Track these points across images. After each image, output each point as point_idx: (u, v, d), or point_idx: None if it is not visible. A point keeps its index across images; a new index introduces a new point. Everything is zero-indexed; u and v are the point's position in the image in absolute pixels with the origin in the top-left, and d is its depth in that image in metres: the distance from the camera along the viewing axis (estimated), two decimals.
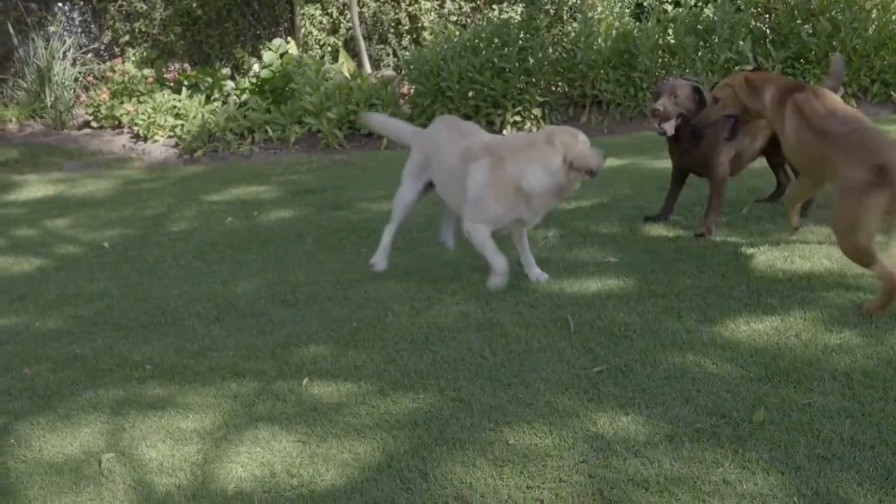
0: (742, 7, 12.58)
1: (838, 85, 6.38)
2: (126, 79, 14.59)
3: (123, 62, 15.40)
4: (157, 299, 6.33)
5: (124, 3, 17.39)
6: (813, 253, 5.86)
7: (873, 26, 11.72)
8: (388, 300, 5.71)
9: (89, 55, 16.77)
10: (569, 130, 5.57)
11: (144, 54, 16.84)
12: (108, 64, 15.76)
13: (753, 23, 12.42)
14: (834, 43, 11.72)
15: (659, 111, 6.33)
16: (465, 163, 5.59)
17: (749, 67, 11.33)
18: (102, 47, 17.54)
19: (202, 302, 6.16)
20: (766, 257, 5.88)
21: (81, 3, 17.63)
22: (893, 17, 11.94)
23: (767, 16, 12.55)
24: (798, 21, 12.13)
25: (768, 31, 12.32)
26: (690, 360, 4.51)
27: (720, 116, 5.94)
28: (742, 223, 6.55)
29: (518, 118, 12.48)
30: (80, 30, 17.64)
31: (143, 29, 17.50)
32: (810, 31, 11.97)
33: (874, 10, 11.86)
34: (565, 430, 3.95)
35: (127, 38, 17.45)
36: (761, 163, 7.01)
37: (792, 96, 5.56)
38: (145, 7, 17.35)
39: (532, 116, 12.47)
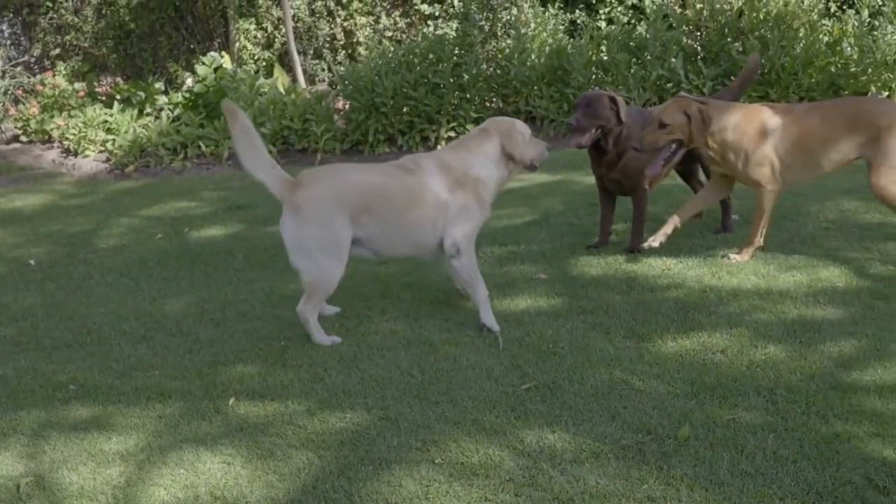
0: (674, 25, 12.75)
1: (746, 83, 6.79)
2: (57, 92, 14.37)
3: (54, 75, 15.18)
4: (82, 318, 6.23)
5: (55, 16, 17.16)
6: (740, 269, 5.93)
7: (801, 45, 11.93)
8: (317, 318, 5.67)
9: (19, 68, 16.51)
10: (506, 120, 5.60)
11: (76, 67, 16.63)
12: (39, 77, 15.52)
13: (685, 40, 12.58)
14: (763, 60, 11.90)
15: (573, 125, 6.29)
16: (411, 182, 5.33)
17: (684, 92, 11.49)
18: (32, 60, 17.29)
19: (129, 320, 6.07)
20: (694, 273, 5.94)
21: (11, 15, 17.38)
22: (820, 36, 12.17)
23: (698, 34, 12.71)
24: (728, 39, 12.31)
25: (699, 48, 12.49)
26: (618, 376, 4.53)
27: (666, 142, 5.94)
28: (672, 239, 6.58)
29: (452, 134, 12.50)
30: (9, 42, 17.39)
31: (75, 42, 17.29)
32: (740, 49, 12.15)
33: (801, 30, 12.08)
34: (492, 449, 3.94)
35: (58, 51, 17.22)
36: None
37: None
38: (77, 20, 17.13)
39: (467, 132, 12.47)
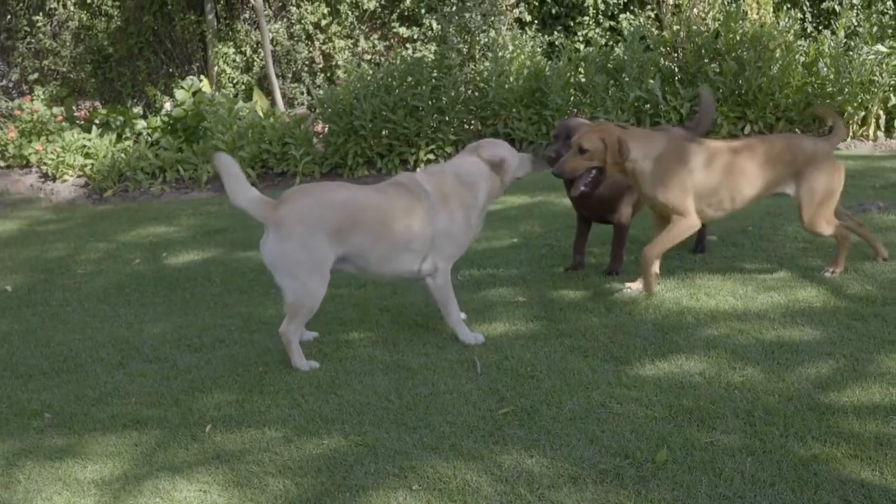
0: (651, 46, 12.83)
1: (708, 122, 6.74)
2: (35, 117, 14.31)
3: (32, 100, 15.11)
4: (59, 345, 6.18)
5: (33, 41, 17.13)
6: (718, 290, 5.94)
7: (777, 65, 12.00)
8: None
9: None
10: (491, 140, 5.67)
11: (54, 92, 16.59)
12: (17, 102, 15.46)
13: (662, 62, 12.65)
14: (740, 81, 11.98)
15: (552, 157, 6.23)
16: (402, 198, 5.34)
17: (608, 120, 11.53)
18: (10, 85, 17.25)
19: (106, 347, 6.03)
20: (672, 295, 5.94)
21: None
22: (797, 57, 12.25)
23: (676, 55, 12.78)
24: (705, 60, 12.39)
25: (676, 69, 12.55)
26: (596, 400, 4.52)
27: (585, 168, 5.77)
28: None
29: (431, 156, 12.52)
30: None
31: (53, 66, 17.26)
32: (717, 70, 12.23)
33: (778, 51, 12.16)
34: (470, 474, 3.92)
35: (36, 75, 17.18)
36: None
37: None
38: (55, 44, 17.11)
39: (445, 154, 12.52)
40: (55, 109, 14.91)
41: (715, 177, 5.75)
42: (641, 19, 14.49)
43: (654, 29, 13.59)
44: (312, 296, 5.18)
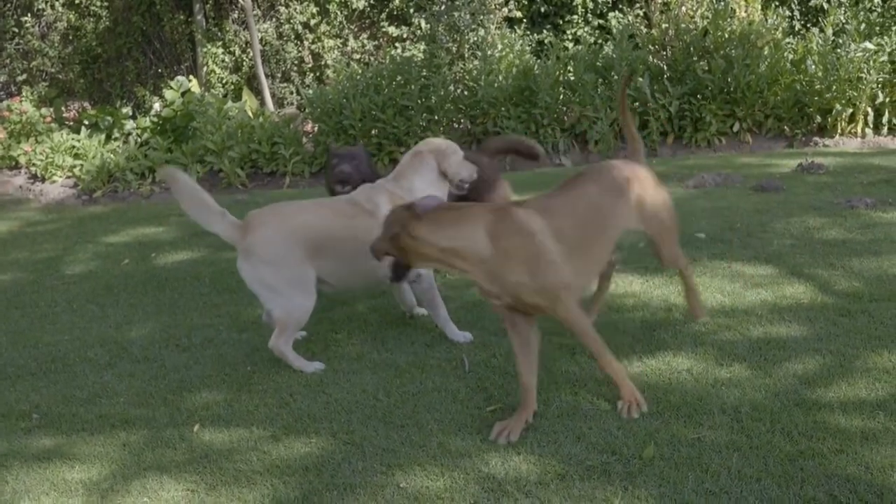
0: (640, 45, 12.85)
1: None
2: (24, 118, 14.28)
3: (21, 101, 15.07)
4: (47, 346, 6.17)
5: (21, 42, 17.09)
6: (706, 287, 5.94)
7: (766, 63, 12.03)
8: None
9: None
10: (438, 140, 5.65)
11: (43, 93, 16.55)
12: (5, 103, 15.42)
13: (651, 59, 12.67)
14: (728, 79, 12.00)
15: (346, 172, 6.22)
16: (363, 218, 5.25)
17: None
18: None
19: (94, 347, 6.02)
20: (660, 292, 5.95)
21: None
22: (785, 55, 12.28)
23: (664, 53, 12.80)
24: (694, 58, 12.41)
25: (665, 67, 12.57)
26: (583, 397, 4.53)
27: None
28: (638, 257, 6.61)
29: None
30: None
31: (42, 67, 17.25)
32: (706, 68, 12.26)
33: (766, 48, 12.19)
34: (457, 472, 3.93)
35: (24, 76, 17.16)
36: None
37: None
38: (43, 45, 17.08)
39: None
40: (44, 110, 14.90)
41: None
42: (630, 17, 14.53)
43: (642, 27, 13.61)
44: (300, 309, 5.16)
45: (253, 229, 5.14)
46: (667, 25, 12.85)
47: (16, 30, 17.15)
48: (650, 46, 12.90)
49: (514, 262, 4.15)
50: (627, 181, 4.65)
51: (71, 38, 17.23)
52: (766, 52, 12.23)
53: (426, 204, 4.21)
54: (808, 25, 14.49)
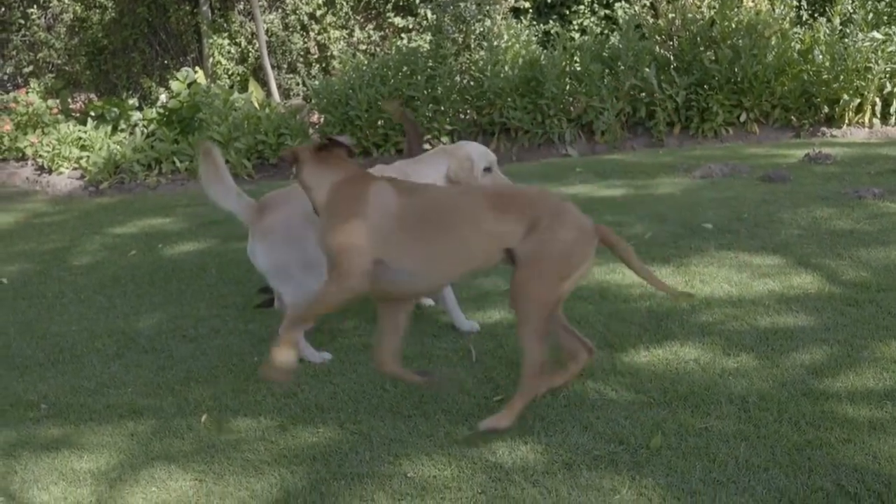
0: (646, 35, 12.82)
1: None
2: (30, 110, 14.29)
3: (27, 93, 15.10)
4: (55, 336, 6.18)
5: (28, 34, 17.10)
6: (713, 277, 5.94)
7: (773, 53, 12.00)
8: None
9: None
10: (468, 147, 5.61)
11: (49, 85, 16.57)
12: (12, 95, 15.44)
13: (658, 50, 12.65)
14: (735, 69, 11.97)
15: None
16: None
17: None
18: (5, 78, 17.23)
19: (102, 338, 6.03)
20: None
21: None
22: (792, 44, 12.25)
23: (671, 43, 12.78)
24: (701, 48, 12.38)
25: (672, 58, 12.55)
26: (590, 386, 4.53)
27: None
28: (645, 249, 6.60)
29: (427, 146, 12.50)
30: None
31: (48, 59, 17.25)
32: (713, 58, 12.22)
33: (773, 38, 12.15)
34: (464, 461, 3.93)
35: (31, 68, 17.17)
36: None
37: None
38: (49, 37, 17.08)
39: (441, 144, 12.51)
40: (50, 102, 14.93)
41: None
42: (636, 8, 14.46)
43: (649, 17, 13.57)
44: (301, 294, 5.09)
45: (271, 210, 5.11)
46: (673, 15, 12.82)
47: (22, 21, 17.15)
48: (657, 36, 12.87)
49: (327, 218, 4.15)
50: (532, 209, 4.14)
51: (77, 29, 17.23)
52: (773, 42, 12.19)
53: (340, 139, 4.31)
54: (816, 15, 14.42)
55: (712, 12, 12.64)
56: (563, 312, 4.37)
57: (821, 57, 11.98)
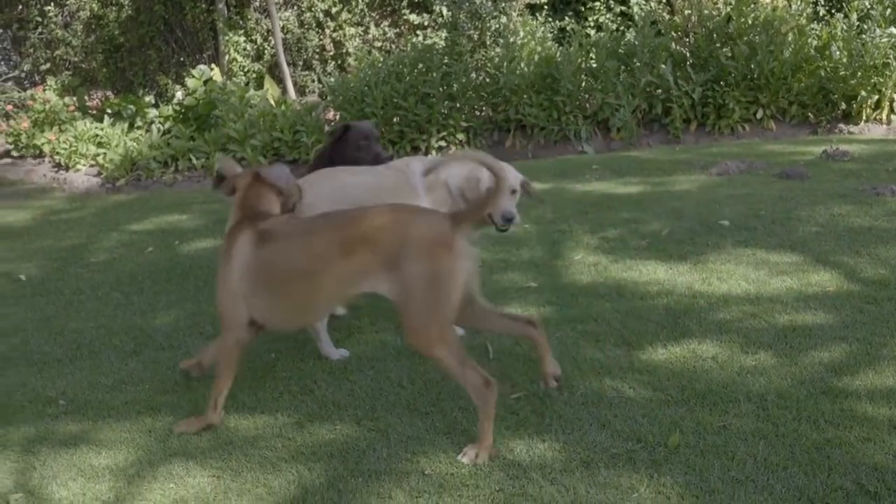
0: (662, 31, 12.79)
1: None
2: (47, 107, 14.35)
3: (44, 90, 15.16)
4: (73, 333, 6.20)
5: (45, 31, 17.16)
6: (731, 274, 5.92)
7: (790, 49, 11.96)
8: (306, 330, 5.64)
9: (9, 83, 16.52)
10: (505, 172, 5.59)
11: (66, 82, 16.63)
12: (29, 92, 15.52)
13: (674, 46, 12.62)
14: (752, 66, 11.93)
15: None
16: (400, 181, 5.35)
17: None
18: (23, 75, 17.30)
19: (119, 335, 6.04)
20: (684, 279, 5.92)
21: (0, 30, 17.36)
22: (809, 41, 12.20)
23: (687, 39, 12.74)
24: (717, 45, 12.34)
25: (688, 54, 12.52)
26: (608, 384, 4.52)
27: None
28: (662, 246, 6.59)
29: (443, 143, 12.52)
30: None
31: (65, 56, 17.32)
32: (729, 55, 12.19)
33: (790, 34, 12.11)
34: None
35: (48, 65, 17.24)
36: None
37: None
38: (66, 35, 17.14)
39: (457, 141, 12.52)
40: (67, 99, 14.98)
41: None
42: (652, 4, 14.41)
43: (665, 13, 13.54)
44: None
45: (309, 189, 5.15)
46: (689, 12, 12.79)
47: (39, 19, 17.22)
48: (673, 33, 12.84)
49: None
50: (381, 233, 4.03)
51: (94, 27, 17.29)
52: (789, 39, 12.16)
53: (275, 173, 4.55)
54: (833, 11, 14.37)
55: (728, 8, 12.61)
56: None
57: (838, 53, 11.94)
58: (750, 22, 12.32)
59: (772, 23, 12.21)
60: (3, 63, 17.45)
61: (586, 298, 5.76)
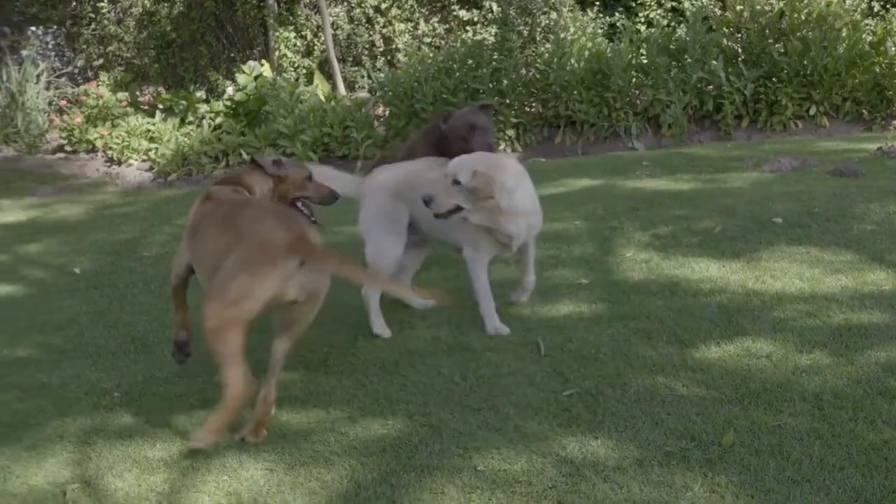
0: (714, 27, 12.68)
1: None
2: (100, 102, 14.50)
3: (97, 86, 15.33)
4: (126, 326, 6.27)
5: (98, 27, 17.35)
6: (784, 272, 5.86)
7: (844, 45, 11.81)
8: (358, 325, 5.67)
9: (63, 79, 16.71)
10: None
11: (118, 78, 16.79)
12: (82, 88, 15.70)
13: (725, 42, 12.52)
14: (805, 62, 11.80)
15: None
16: None
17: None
18: (76, 71, 17.49)
19: (172, 328, 6.06)
20: (737, 277, 5.88)
21: (55, 26, 17.57)
22: (864, 36, 12.05)
23: (739, 35, 12.63)
24: (769, 41, 12.22)
25: (740, 50, 12.41)
26: (661, 382, 4.50)
27: None
28: (714, 243, 6.54)
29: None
30: (53, 53, 17.57)
31: (117, 52, 17.49)
32: (782, 51, 12.06)
33: (844, 30, 11.96)
34: (534, 455, 3.92)
35: (101, 61, 17.42)
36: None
37: None
38: (119, 30, 17.32)
39: (506, 138, 12.50)
40: (120, 95, 15.12)
41: None
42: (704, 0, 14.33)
43: (716, 9, 13.42)
44: (384, 255, 5.47)
45: (368, 179, 5.74)
46: (741, 7, 12.67)
47: (92, 15, 17.41)
48: (724, 29, 12.73)
49: None
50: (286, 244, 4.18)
51: (146, 23, 17.45)
52: (843, 34, 12.01)
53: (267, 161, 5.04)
54: (888, 6, 14.16)
55: (781, 4, 12.47)
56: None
57: (893, 49, 11.77)
58: (803, 17, 12.18)
59: (825, 18, 12.06)
60: (57, 59, 17.63)
61: (638, 295, 5.73)
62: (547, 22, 13.68)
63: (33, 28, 17.26)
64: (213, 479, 4.05)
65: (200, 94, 15.50)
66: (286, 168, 5.05)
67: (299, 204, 5.10)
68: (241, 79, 14.09)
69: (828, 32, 11.93)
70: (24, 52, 16.10)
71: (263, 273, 4.10)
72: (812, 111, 12.02)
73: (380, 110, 13.83)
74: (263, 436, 4.33)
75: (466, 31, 15.51)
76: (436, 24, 16.56)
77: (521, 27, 13.63)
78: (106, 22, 17.32)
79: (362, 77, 16.59)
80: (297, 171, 5.11)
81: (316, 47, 16.56)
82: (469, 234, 5.36)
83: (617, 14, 15.15)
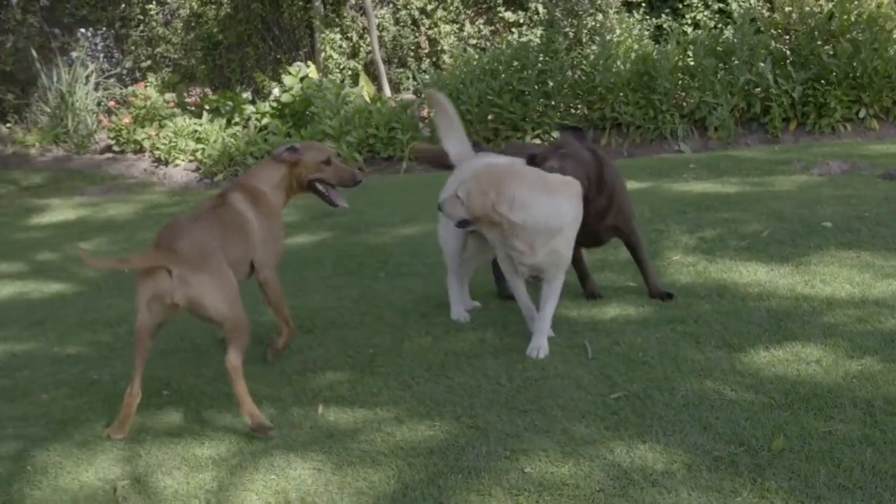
0: (762, 28, 12.60)
1: None
2: (148, 103, 14.68)
3: (145, 87, 15.50)
4: (174, 324, 6.26)
5: (146, 29, 17.53)
6: (834, 277, 5.80)
7: (894, 47, 11.68)
8: (404, 326, 5.69)
9: (111, 80, 16.92)
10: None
11: (166, 79, 16.97)
12: (131, 89, 15.87)
13: (773, 44, 12.44)
14: (854, 64, 11.68)
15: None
16: None
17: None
18: (124, 72, 17.71)
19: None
20: (786, 281, 5.82)
21: (104, 28, 17.80)
22: None
23: (787, 37, 12.54)
24: (818, 42, 12.12)
25: (788, 52, 12.33)
26: (709, 386, 4.47)
27: None
28: (762, 247, 6.49)
29: (537, 141, 12.48)
30: (102, 55, 17.81)
31: (165, 54, 17.68)
32: (831, 53, 11.96)
33: (895, 32, 11.83)
34: (582, 459, 3.91)
35: (149, 62, 17.61)
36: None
37: None
38: (167, 32, 17.49)
39: (552, 139, 12.47)
40: (167, 95, 15.29)
41: None
42: (752, 1, 14.21)
43: (764, 11, 13.33)
44: (445, 244, 5.75)
45: (467, 161, 5.82)
46: (790, 9, 12.57)
47: (141, 17, 17.61)
48: (772, 30, 12.65)
49: None
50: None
51: (193, 24, 17.62)
52: (894, 36, 11.87)
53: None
54: None
55: (831, 5, 12.36)
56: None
57: None
58: (853, 19, 12.07)
59: (876, 20, 11.94)
60: (105, 60, 17.87)
61: (686, 299, 5.69)
62: (593, 23, 13.67)
63: (83, 30, 17.52)
64: (261, 477, 4.07)
65: (247, 95, 15.63)
66: (300, 153, 5.25)
67: (319, 186, 5.29)
68: (287, 80, 14.19)
69: (878, 34, 11.82)
70: (74, 54, 16.35)
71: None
72: (861, 114, 11.90)
73: (425, 112, 13.86)
74: None
75: (512, 33, 15.51)
76: (481, 26, 16.57)
77: (567, 29, 13.63)
78: (154, 24, 17.51)
79: (407, 79, 16.63)
80: (313, 154, 5.27)
81: (361, 49, 16.64)
82: (496, 244, 5.28)
83: (663, 15, 15.08)
